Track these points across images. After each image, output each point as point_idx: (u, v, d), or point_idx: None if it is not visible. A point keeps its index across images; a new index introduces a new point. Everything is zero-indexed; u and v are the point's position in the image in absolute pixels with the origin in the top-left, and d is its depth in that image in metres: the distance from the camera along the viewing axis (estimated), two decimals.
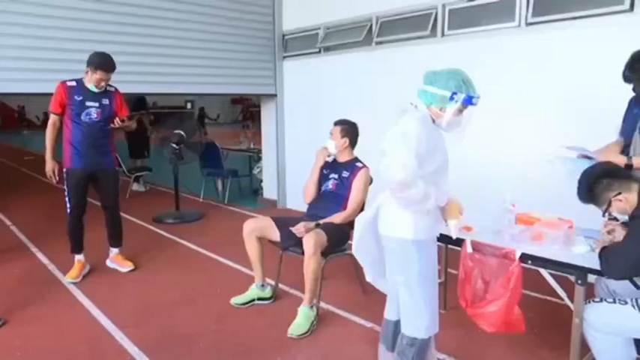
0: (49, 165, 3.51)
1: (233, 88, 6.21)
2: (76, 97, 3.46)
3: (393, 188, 1.84)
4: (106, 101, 3.56)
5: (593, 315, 1.91)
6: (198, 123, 7.83)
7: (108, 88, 3.58)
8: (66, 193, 3.59)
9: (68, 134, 3.52)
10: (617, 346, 1.89)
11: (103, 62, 3.41)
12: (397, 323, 2.12)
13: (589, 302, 1.98)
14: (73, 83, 3.48)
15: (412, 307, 1.97)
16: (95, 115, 3.51)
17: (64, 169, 3.57)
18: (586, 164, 2.45)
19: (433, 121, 1.94)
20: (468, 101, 1.87)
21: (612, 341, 1.89)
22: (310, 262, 2.81)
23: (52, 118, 3.51)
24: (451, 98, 1.86)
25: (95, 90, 3.49)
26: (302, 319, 2.82)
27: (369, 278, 2.18)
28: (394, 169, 1.78)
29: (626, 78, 2.43)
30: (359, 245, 2.10)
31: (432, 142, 1.88)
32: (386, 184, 1.91)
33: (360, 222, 2.09)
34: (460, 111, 1.90)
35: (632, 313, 1.85)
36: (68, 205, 3.60)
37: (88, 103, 3.49)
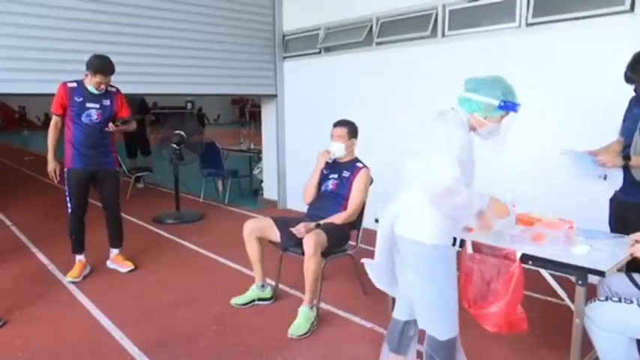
0: (51, 165, 3.52)
1: (233, 89, 6.21)
2: (76, 99, 3.46)
3: (437, 196, 1.76)
4: (106, 102, 3.56)
5: (598, 313, 1.91)
6: (198, 123, 7.86)
7: (109, 88, 3.58)
8: (67, 193, 3.60)
9: (69, 135, 3.53)
10: (621, 345, 1.88)
11: (101, 66, 3.40)
12: (406, 324, 2.11)
13: (594, 301, 1.98)
14: (74, 84, 3.48)
15: (427, 309, 1.95)
16: (96, 116, 3.51)
17: (65, 169, 3.58)
18: (588, 163, 2.45)
19: (473, 129, 1.94)
20: (512, 108, 1.88)
21: (616, 340, 1.88)
22: (310, 262, 2.81)
23: (54, 119, 3.52)
24: (499, 107, 1.86)
25: (95, 92, 3.49)
26: (302, 320, 2.82)
27: (380, 286, 2.17)
28: (439, 176, 1.72)
29: (628, 79, 2.42)
30: (380, 266, 2.08)
31: (468, 149, 1.88)
32: (426, 192, 1.82)
33: (382, 233, 2.01)
34: (500, 119, 1.91)
35: (638, 313, 1.85)
36: (69, 205, 3.61)
37: (89, 105, 3.49)
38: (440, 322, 1.94)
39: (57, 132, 3.53)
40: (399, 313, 2.16)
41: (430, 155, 1.79)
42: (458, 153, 1.76)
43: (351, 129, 3.19)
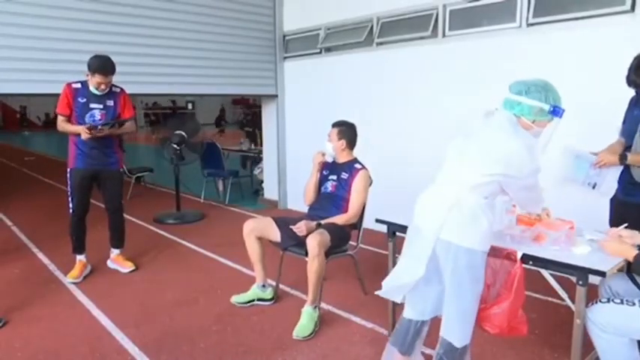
0: (80, 130, 3.39)
1: (234, 89, 6.21)
2: (80, 100, 3.47)
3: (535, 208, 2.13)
4: (110, 102, 3.55)
5: (599, 315, 1.91)
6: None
7: (113, 89, 3.58)
8: (69, 193, 3.60)
9: (73, 136, 3.53)
10: (623, 347, 1.88)
11: (100, 66, 3.38)
12: (423, 324, 2.09)
13: (596, 302, 1.97)
14: (78, 85, 3.49)
15: (459, 315, 1.93)
16: (99, 117, 3.50)
17: (68, 169, 3.58)
18: (584, 167, 2.44)
19: None
20: (559, 114, 1.89)
21: (618, 342, 1.88)
22: (314, 262, 2.79)
23: (60, 118, 3.52)
24: (553, 112, 1.88)
25: (98, 92, 3.49)
26: (306, 321, 2.81)
27: (399, 296, 2.09)
28: (538, 195, 2.00)
29: (631, 82, 2.38)
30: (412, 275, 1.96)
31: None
32: (522, 205, 2.10)
33: (428, 240, 1.91)
34: (545, 124, 1.93)
35: (639, 314, 1.85)
36: (71, 205, 3.61)
37: (92, 105, 3.49)
38: (465, 329, 1.93)
39: (67, 122, 3.50)
40: (415, 314, 2.10)
41: (522, 173, 1.84)
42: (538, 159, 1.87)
43: (342, 130, 3.18)
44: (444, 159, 2.02)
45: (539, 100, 1.87)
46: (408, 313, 2.12)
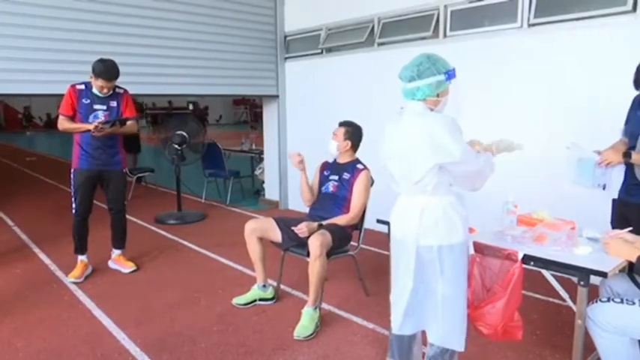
0: (87, 127, 3.41)
1: (235, 89, 6.22)
2: (83, 101, 3.48)
3: (485, 179, 1.97)
4: (113, 103, 3.56)
5: (599, 314, 1.90)
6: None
7: (117, 90, 3.59)
8: (72, 194, 3.61)
9: (77, 136, 3.54)
10: (623, 346, 1.87)
11: (104, 71, 3.38)
12: (413, 334, 2.10)
13: (596, 301, 1.97)
14: (82, 87, 3.50)
15: (460, 316, 1.93)
16: (102, 118, 3.50)
17: (72, 170, 3.59)
18: (590, 169, 2.43)
19: (431, 110, 1.95)
20: (454, 75, 1.92)
21: (618, 341, 1.88)
22: (316, 263, 2.79)
23: (62, 117, 3.51)
24: (449, 77, 1.90)
25: (100, 94, 3.50)
26: (307, 321, 2.81)
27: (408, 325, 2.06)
28: (477, 166, 1.91)
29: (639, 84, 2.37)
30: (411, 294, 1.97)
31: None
32: (474, 184, 1.97)
33: (411, 253, 1.93)
34: (448, 91, 1.95)
35: (639, 314, 1.85)
36: (74, 205, 3.62)
37: (96, 106, 3.50)
38: (464, 330, 1.94)
39: (69, 121, 3.50)
40: (408, 329, 2.07)
41: (459, 153, 1.82)
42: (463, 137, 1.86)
43: (350, 131, 3.18)
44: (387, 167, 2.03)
45: (433, 75, 1.88)
46: (401, 329, 2.07)
